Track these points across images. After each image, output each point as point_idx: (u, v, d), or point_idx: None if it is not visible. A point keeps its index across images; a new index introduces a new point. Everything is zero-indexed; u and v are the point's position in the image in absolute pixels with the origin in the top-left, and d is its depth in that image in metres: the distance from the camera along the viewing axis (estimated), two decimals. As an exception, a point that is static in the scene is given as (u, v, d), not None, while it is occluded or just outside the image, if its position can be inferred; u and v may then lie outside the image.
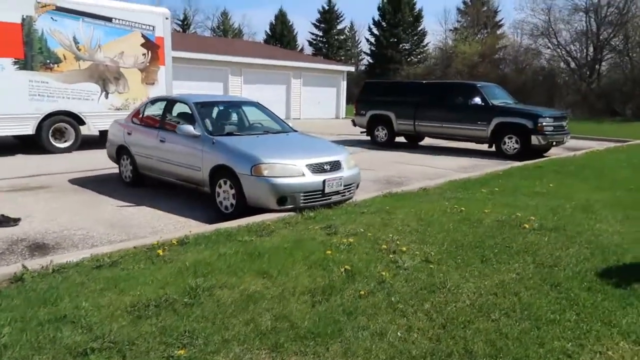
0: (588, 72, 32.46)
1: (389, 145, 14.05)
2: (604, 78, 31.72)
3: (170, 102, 7.16)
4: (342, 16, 50.82)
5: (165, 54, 13.21)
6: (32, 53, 10.74)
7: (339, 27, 51.22)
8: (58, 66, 11.14)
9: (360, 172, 6.50)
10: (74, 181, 7.87)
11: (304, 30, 53.44)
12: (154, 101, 7.63)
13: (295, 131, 7.21)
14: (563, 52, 33.31)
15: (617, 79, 30.41)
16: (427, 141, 14.64)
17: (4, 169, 8.81)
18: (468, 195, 6.78)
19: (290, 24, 53.00)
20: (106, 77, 12.04)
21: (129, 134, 7.47)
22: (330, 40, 50.64)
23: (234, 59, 21.48)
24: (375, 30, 46.57)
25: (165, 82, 13.24)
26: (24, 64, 10.60)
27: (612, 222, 5.40)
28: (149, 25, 12.78)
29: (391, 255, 4.07)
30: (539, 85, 32.08)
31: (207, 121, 6.54)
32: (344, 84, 26.09)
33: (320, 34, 50.85)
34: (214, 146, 6.01)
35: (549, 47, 33.84)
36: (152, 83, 12.96)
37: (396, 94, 14.23)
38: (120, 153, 7.69)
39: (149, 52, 12.79)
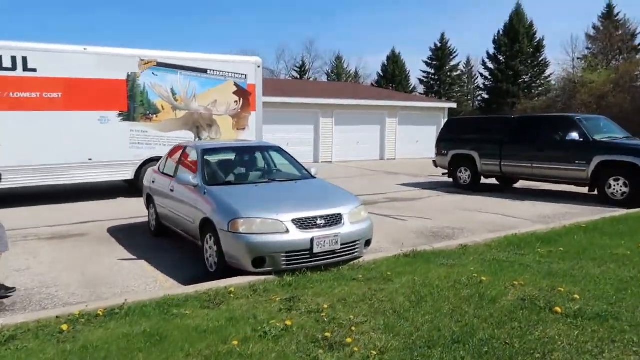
0: None
1: (473, 188, 12.48)
2: None
3: (185, 149, 6.88)
4: (455, 52, 49.05)
5: (256, 100, 13.63)
6: (135, 105, 11.62)
7: (452, 63, 49.41)
8: (156, 116, 11.91)
9: (371, 226, 5.50)
10: (112, 229, 7.92)
11: (417, 68, 52.66)
12: (175, 149, 7.44)
13: (313, 178, 6.46)
14: None
15: None
16: (523, 183, 12.76)
17: (75, 214, 9.21)
18: (514, 257, 5.37)
19: (403, 63, 52.52)
20: (200, 124, 12.63)
21: (153, 181, 7.33)
22: (443, 78, 48.97)
23: (325, 101, 21.40)
24: (490, 64, 43.99)
25: (255, 127, 13.57)
26: (127, 116, 11.48)
27: None
28: (242, 74, 13.33)
29: (320, 352, 3.06)
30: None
31: (209, 169, 6.10)
32: (444, 122, 24.59)
33: (432, 71, 49.48)
34: (205, 196, 5.50)
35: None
36: (243, 128, 13.36)
37: (481, 131, 12.70)
38: (148, 201, 7.58)
39: (241, 99, 13.25)
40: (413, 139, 23.53)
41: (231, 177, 6.18)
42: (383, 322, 3.52)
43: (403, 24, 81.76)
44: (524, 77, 42.33)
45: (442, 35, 48.68)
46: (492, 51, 43.49)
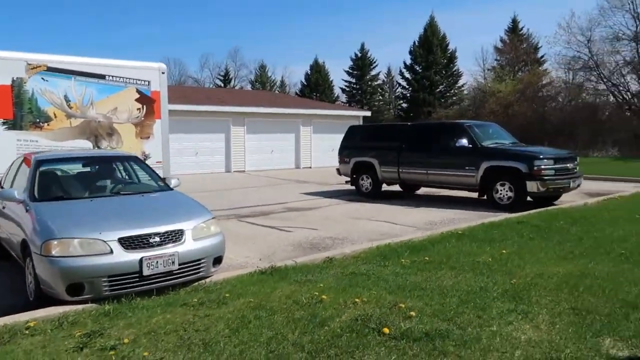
0: (638, 107, 29.35)
1: (374, 195, 12.37)
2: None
3: (25, 160, 6.07)
4: (375, 62, 50.13)
5: (162, 108, 12.84)
6: (22, 113, 10.45)
7: (373, 72, 50.46)
8: (48, 125, 10.79)
9: (222, 241, 5.00)
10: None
11: (340, 78, 53.41)
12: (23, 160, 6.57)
13: (169, 190, 5.87)
14: (609, 85, 30.43)
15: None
16: (425, 190, 12.80)
17: None
18: (375, 269, 5.07)
19: (327, 72, 52.92)
20: (98, 133, 11.66)
21: (-8, 198, 6.41)
22: (364, 87, 49.83)
23: (235, 109, 20.78)
24: (407, 74, 45.35)
25: (161, 136, 12.77)
26: (13, 124, 10.32)
27: (543, 320, 3.58)
28: (145, 81, 12.52)
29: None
30: (581, 123, 29.25)
31: (43, 182, 5.34)
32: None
33: (354, 80, 50.23)
34: (27, 214, 4.76)
35: (592, 81, 31.12)
36: (148, 137, 12.53)
37: (381, 139, 12.66)
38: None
39: (144, 106, 12.43)
40: (329, 148, 23.38)
41: (68, 192, 5.44)
42: (182, 358, 3.01)
43: (326, 34, 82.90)
44: (440, 87, 43.95)
45: (362, 45, 49.69)
46: (409, 61, 44.85)
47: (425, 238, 6.66)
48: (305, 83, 53.22)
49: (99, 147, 12.08)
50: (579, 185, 10.37)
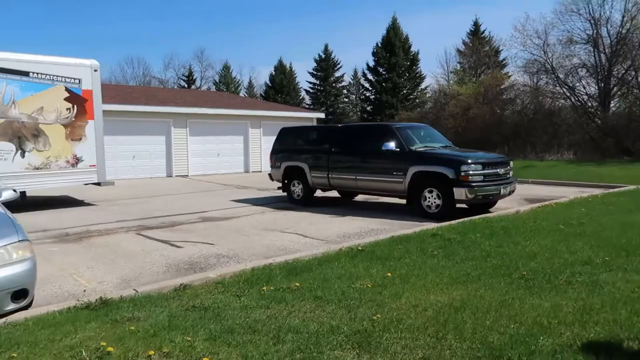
0: (594, 109, 29.33)
1: (306, 203, 11.52)
2: (613, 115, 28.44)
3: None
4: (339, 63, 49.49)
5: (95, 108, 11.98)
6: None
7: (337, 74, 49.80)
8: None
9: (29, 271, 4.06)
10: None
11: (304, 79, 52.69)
12: None
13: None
14: (565, 89, 30.37)
15: (629, 115, 27.10)
16: (365, 196, 11.98)
17: None
18: (225, 300, 4.21)
19: (292, 73, 52.06)
20: (22, 135, 10.82)
21: None
22: (328, 89, 49.13)
23: (177, 110, 19.73)
24: (370, 76, 44.85)
25: (95, 137, 11.81)
26: None
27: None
28: (74, 79, 11.63)
29: None
30: (539, 125, 29.07)
31: None
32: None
33: (317, 82, 49.48)
34: None
35: (549, 84, 31.02)
36: (80, 138, 11.70)
37: (311, 142, 11.86)
38: None
39: (75, 106, 11.58)
40: (279, 151, 22.55)
41: None
42: None
43: (293, 35, 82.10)
44: (403, 89, 43.55)
45: (326, 46, 49.03)
46: (372, 63, 44.34)
47: (318, 256, 5.83)
48: (269, 84, 52.25)
49: (23, 150, 11.03)
50: (511, 192, 9.74)
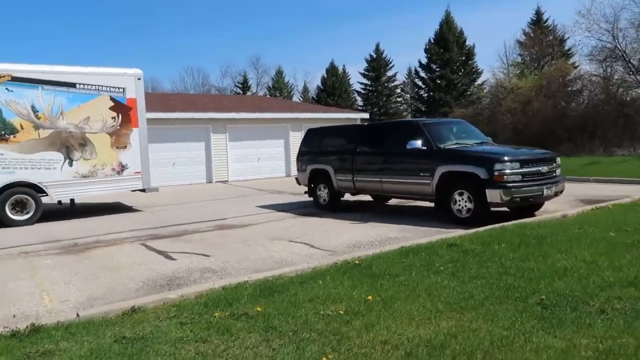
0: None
1: (332, 208, 10.75)
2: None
3: None
4: (391, 63, 48.09)
5: (139, 116, 12.17)
6: None
7: (389, 73, 48.46)
8: (14, 137, 10.46)
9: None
10: None
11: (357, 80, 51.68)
12: None
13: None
14: (639, 76, 27.54)
15: None
16: (398, 200, 11.06)
17: None
18: (150, 333, 3.55)
19: (344, 75, 51.37)
20: (70, 144, 11.13)
21: None
22: (380, 89, 47.91)
23: (215, 115, 19.55)
24: (422, 74, 43.20)
25: (139, 145, 11.97)
26: None
27: None
28: (119, 88, 11.85)
29: None
30: (609, 118, 26.48)
31: None
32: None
33: (369, 82, 48.40)
34: None
35: (619, 72, 28.29)
36: (125, 146, 11.92)
37: (336, 143, 11.07)
38: None
39: (120, 114, 11.81)
40: (322, 153, 21.91)
41: None
42: None
43: (344, 37, 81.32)
44: (458, 86, 41.58)
45: (377, 45, 47.81)
46: (424, 61, 42.74)
47: (305, 272, 5.06)
48: (321, 88, 51.85)
49: (70, 159, 11.22)
50: (557, 193, 8.45)
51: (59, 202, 11.51)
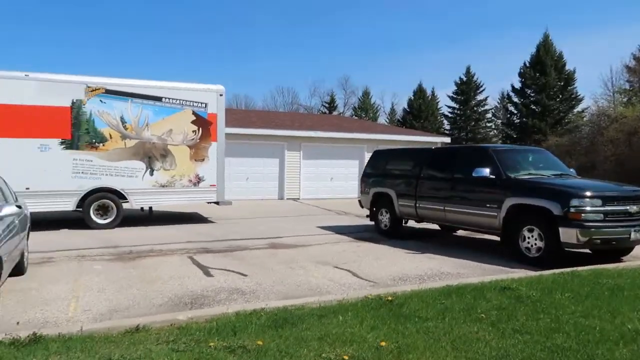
0: None
1: (393, 234, 10.19)
2: None
3: None
4: (481, 86, 46.17)
5: (218, 130, 12.79)
6: (79, 134, 11.14)
7: (479, 97, 46.50)
8: (103, 145, 11.36)
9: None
10: None
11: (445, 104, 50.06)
12: None
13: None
14: None
15: None
16: (466, 232, 10.25)
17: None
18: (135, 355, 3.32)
19: (432, 98, 50.18)
20: (152, 154, 11.91)
21: None
22: (468, 113, 46.05)
23: (291, 133, 19.70)
24: (515, 98, 40.85)
25: (217, 158, 12.48)
26: (70, 144, 11.00)
27: None
28: (202, 103, 12.54)
29: None
30: None
31: None
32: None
33: (457, 106, 46.74)
34: None
35: None
36: (203, 159, 12.54)
37: (401, 166, 10.52)
38: None
39: (200, 128, 12.46)
40: (398, 176, 21.24)
41: None
42: None
43: (434, 62, 79.65)
44: (554, 112, 38.79)
45: (468, 68, 46.16)
46: (518, 85, 40.45)
47: (330, 304, 4.64)
48: (407, 110, 50.99)
49: (152, 169, 11.88)
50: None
51: (141, 208, 12.14)
